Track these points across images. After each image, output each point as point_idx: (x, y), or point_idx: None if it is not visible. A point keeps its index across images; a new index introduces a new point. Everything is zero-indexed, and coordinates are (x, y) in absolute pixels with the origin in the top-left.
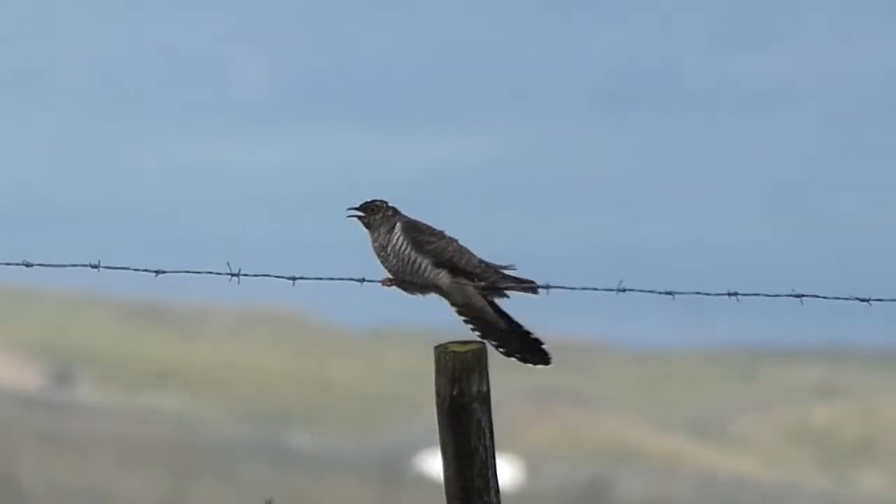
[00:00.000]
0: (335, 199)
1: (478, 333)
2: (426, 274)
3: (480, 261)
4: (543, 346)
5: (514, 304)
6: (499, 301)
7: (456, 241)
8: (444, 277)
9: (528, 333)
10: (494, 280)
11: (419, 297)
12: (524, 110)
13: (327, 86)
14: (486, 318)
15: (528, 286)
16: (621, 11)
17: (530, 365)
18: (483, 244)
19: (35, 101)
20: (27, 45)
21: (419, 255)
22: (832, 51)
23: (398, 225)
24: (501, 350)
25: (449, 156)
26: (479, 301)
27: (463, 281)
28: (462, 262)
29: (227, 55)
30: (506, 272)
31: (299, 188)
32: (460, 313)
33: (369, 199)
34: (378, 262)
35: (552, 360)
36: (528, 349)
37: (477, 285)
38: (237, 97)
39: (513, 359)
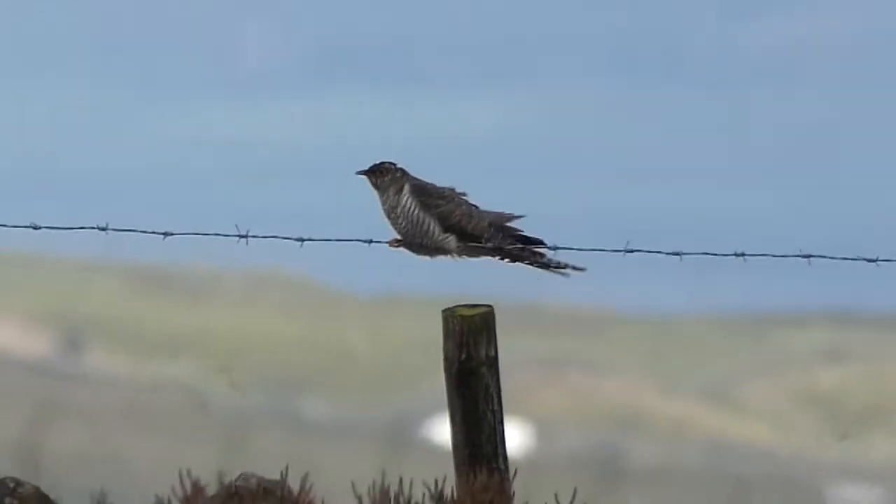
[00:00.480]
0: (344, 163)
1: (507, 260)
2: (435, 236)
3: (490, 223)
4: (565, 269)
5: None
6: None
7: (464, 202)
8: (451, 242)
9: (539, 255)
10: (502, 244)
11: (427, 258)
12: (532, 76)
13: (336, 52)
14: (509, 255)
15: (536, 244)
16: None
17: (570, 269)
18: (490, 208)
19: (42, 65)
20: (35, 9)
21: (427, 216)
22: (836, 13)
23: (406, 186)
24: (536, 264)
25: (457, 121)
26: (492, 255)
27: (471, 244)
28: (470, 226)
29: (234, 23)
30: (515, 226)
31: (308, 153)
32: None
33: (378, 161)
34: (388, 223)
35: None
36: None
37: (485, 247)
38: (246, 64)
39: (549, 271)
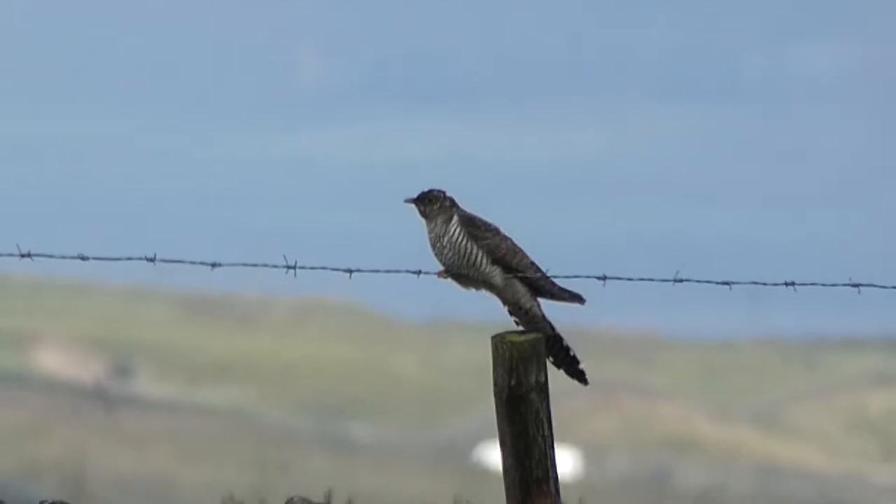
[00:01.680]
0: (392, 191)
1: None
2: (482, 267)
3: (532, 262)
4: (581, 367)
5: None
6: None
7: (510, 239)
8: (497, 274)
9: (568, 349)
10: (545, 283)
11: (472, 290)
12: (585, 103)
13: (386, 78)
14: (534, 320)
15: (576, 297)
16: (679, 1)
17: (575, 380)
18: (541, 236)
19: (91, 93)
20: (90, 33)
21: (475, 247)
22: (890, 36)
23: (455, 217)
24: (551, 359)
25: (508, 148)
26: (528, 302)
27: (518, 275)
28: (514, 261)
29: (285, 48)
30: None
31: (356, 181)
32: (511, 313)
33: (427, 190)
34: (431, 252)
35: (589, 382)
36: (569, 366)
37: (533, 277)
38: (295, 90)
39: (561, 370)
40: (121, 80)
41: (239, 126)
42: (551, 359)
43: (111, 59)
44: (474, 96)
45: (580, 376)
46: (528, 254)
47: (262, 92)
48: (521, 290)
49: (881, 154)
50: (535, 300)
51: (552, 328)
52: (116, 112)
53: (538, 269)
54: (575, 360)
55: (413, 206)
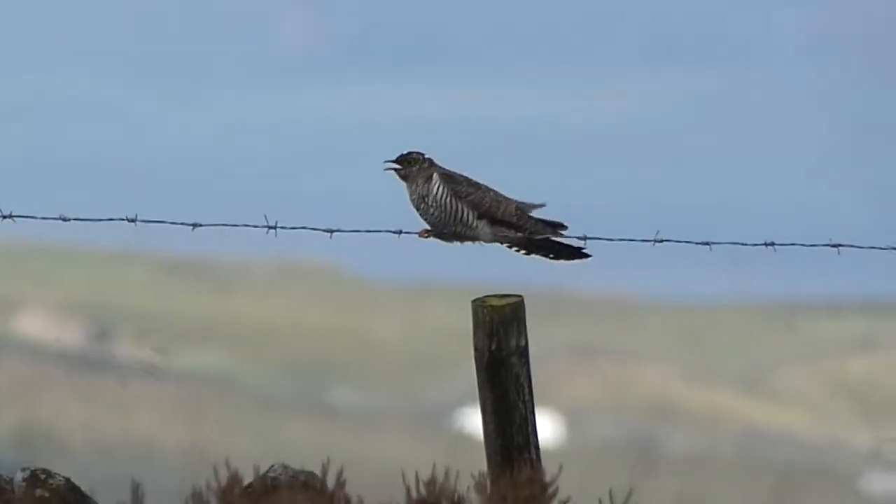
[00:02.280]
0: (375, 152)
1: (524, 251)
2: (469, 222)
3: (517, 207)
4: (584, 250)
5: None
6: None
7: (491, 190)
8: (484, 229)
9: (568, 245)
10: (532, 230)
11: (457, 244)
12: (564, 62)
13: (369, 39)
14: (530, 245)
15: (560, 227)
16: None
17: (576, 260)
18: (523, 197)
19: (71, 56)
20: (65, 1)
21: (460, 203)
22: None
23: (435, 175)
24: (551, 256)
25: (490, 110)
26: (518, 240)
27: (502, 231)
28: (500, 213)
29: (269, 11)
30: (537, 215)
31: (340, 143)
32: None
33: (405, 152)
34: (416, 214)
35: (590, 254)
36: (569, 253)
37: (516, 236)
38: (279, 52)
39: (560, 260)
40: (103, 42)
41: (221, 88)
42: (552, 255)
43: (93, 21)
44: (458, 60)
45: (580, 254)
46: (512, 197)
47: (245, 54)
48: (511, 234)
49: (862, 115)
50: (524, 240)
51: (547, 238)
52: (97, 73)
53: (524, 215)
54: (570, 248)
55: (393, 170)
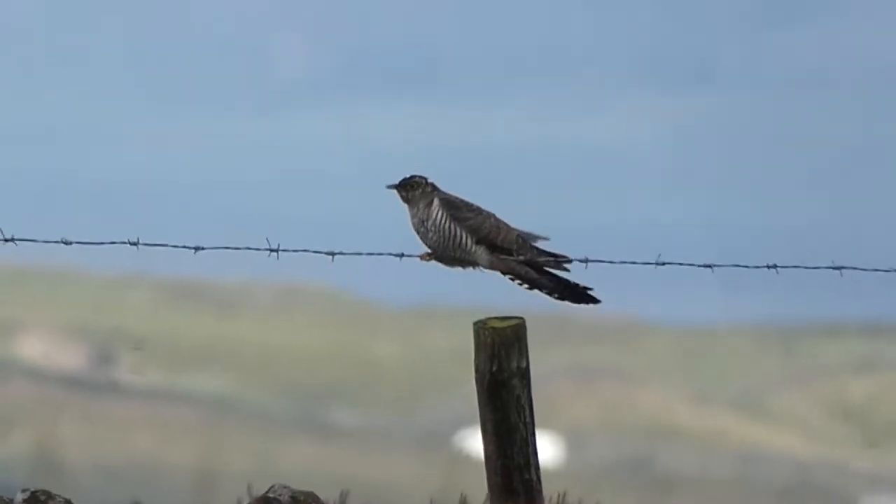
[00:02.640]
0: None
1: (526, 286)
2: (467, 248)
3: (518, 235)
4: (591, 292)
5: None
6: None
7: (493, 216)
8: (482, 254)
9: (575, 285)
10: (531, 257)
11: (459, 269)
12: (564, 89)
13: (364, 63)
14: (533, 283)
15: (563, 260)
16: None
17: (582, 304)
18: (520, 220)
19: (71, 80)
20: (65, 17)
21: (459, 228)
22: (873, 28)
23: (436, 200)
24: (555, 295)
25: (488, 133)
26: (521, 269)
27: (502, 257)
28: (499, 239)
29: (263, 34)
30: (540, 247)
31: (337, 166)
32: (505, 273)
33: (408, 175)
34: (417, 237)
35: (600, 300)
36: (576, 295)
37: (516, 259)
38: (275, 76)
39: (565, 302)
40: (103, 66)
41: (221, 111)
42: (556, 295)
43: (95, 45)
44: (453, 81)
45: (589, 298)
46: (512, 228)
47: (242, 77)
48: (511, 263)
49: (863, 137)
50: (524, 271)
51: (553, 278)
52: (99, 98)
53: (525, 244)
54: (586, 289)
55: (395, 192)
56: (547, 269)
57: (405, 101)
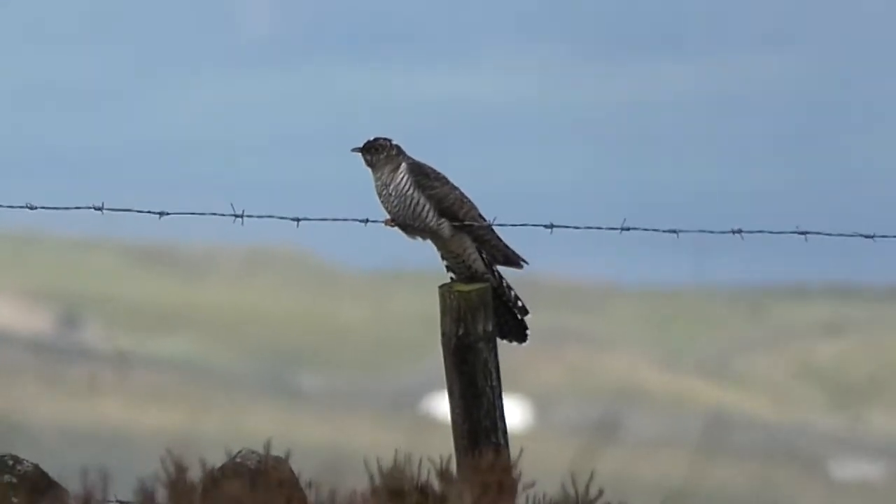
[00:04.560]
0: (339, 138)
1: (480, 263)
2: (427, 218)
3: (480, 214)
4: (525, 319)
5: (521, 244)
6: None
7: (458, 189)
8: (444, 225)
9: (517, 300)
10: (490, 237)
11: (418, 240)
12: (524, 50)
13: (330, 25)
14: (475, 275)
15: (514, 263)
16: None
17: (505, 341)
18: (487, 184)
19: (36, 46)
20: None
21: (422, 197)
22: None
23: (403, 165)
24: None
25: (453, 95)
26: (473, 255)
27: (465, 224)
28: (462, 212)
29: None
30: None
31: (303, 128)
32: (449, 268)
33: (372, 138)
34: (379, 203)
35: (527, 339)
36: (511, 321)
37: (479, 229)
38: (240, 38)
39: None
40: (66, 29)
41: (186, 73)
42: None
43: (58, 8)
44: (417, 43)
45: (518, 334)
46: (476, 206)
47: (208, 38)
48: (467, 242)
49: (827, 103)
50: (480, 254)
51: (499, 279)
52: (63, 61)
53: (485, 223)
54: (516, 316)
55: (359, 155)
56: (496, 268)
57: (372, 61)
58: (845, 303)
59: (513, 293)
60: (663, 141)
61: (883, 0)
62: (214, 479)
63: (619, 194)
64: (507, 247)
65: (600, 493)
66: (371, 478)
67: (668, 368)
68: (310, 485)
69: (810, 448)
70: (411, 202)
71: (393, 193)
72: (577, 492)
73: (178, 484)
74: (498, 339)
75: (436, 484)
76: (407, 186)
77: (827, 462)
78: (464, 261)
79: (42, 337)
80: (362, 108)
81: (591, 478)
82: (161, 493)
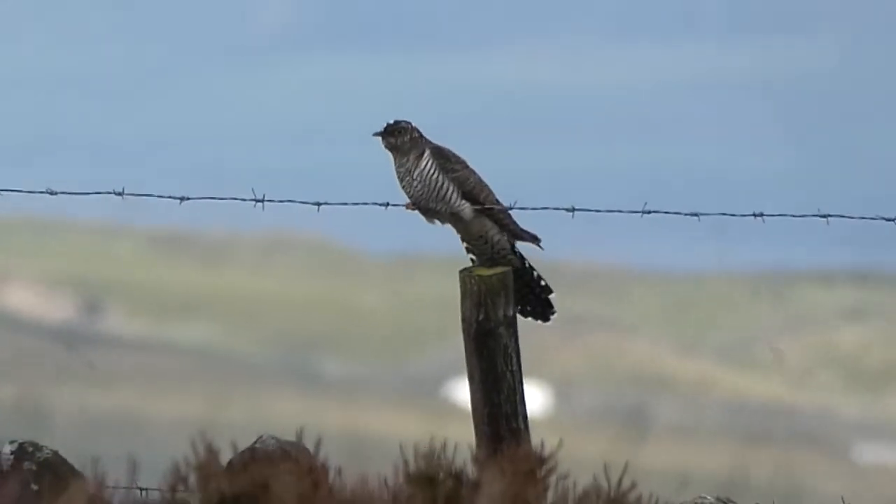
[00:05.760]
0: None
1: (501, 247)
2: (451, 201)
3: (498, 200)
4: (551, 297)
5: (542, 229)
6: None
7: (476, 173)
8: (467, 209)
9: (539, 280)
10: (508, 220)
11: (437, 224)
12: (549, 37)
13: (348, 14)
14: (501, 253)
15: (534, 238)
16: None
17: (530, 319)
18: (509, 168)
19: (57, 33)
20: None
21: (446, 180)
22: None
23: (427, 151)
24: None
25: (473, 83)
26: (497, 235)
27: (485, 207)
28: (482, 196)
29: None
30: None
31: (321, 116)
32: (469, 250)
33: (392, 121)
34: (399, 186)
35: (552, 317)
36: (534, 301)
37: (498, 211)
38: (259, 27)
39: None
40: (86, 18)
41: (207, 63)
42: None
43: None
44: (434, 32)
45: (543, 314)
46: (493, 191)
47: (225, 29)
48: (488, 223)
49: (850, 85)
50: (503, 233)
51: (522, 260)
52: (83, 50)
53: (502, 206)
54: (540, 297)
55: (380, 139)
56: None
57: (387, 51)
58: (868, 288)
59: (535, 273)
60: (683, 123)
61: None
62: (244, 463)
63: (640, 177)
64: (524, 231)
65: (633, 485)
66: (405, 463)
67: (690, 354)
68: (339, 471)
69: (832, 433)
70: (436, 185)
71: (417, 178)
72: (609, 484)
73: (207, 467)
74: (520, 321)
75: (469, 471)
76: (433, 170)
77: (849, 447)
78: (486, 241)
79: (63, 323)
80: (378, 96)
81: (625, 470)
82: (191, 477)
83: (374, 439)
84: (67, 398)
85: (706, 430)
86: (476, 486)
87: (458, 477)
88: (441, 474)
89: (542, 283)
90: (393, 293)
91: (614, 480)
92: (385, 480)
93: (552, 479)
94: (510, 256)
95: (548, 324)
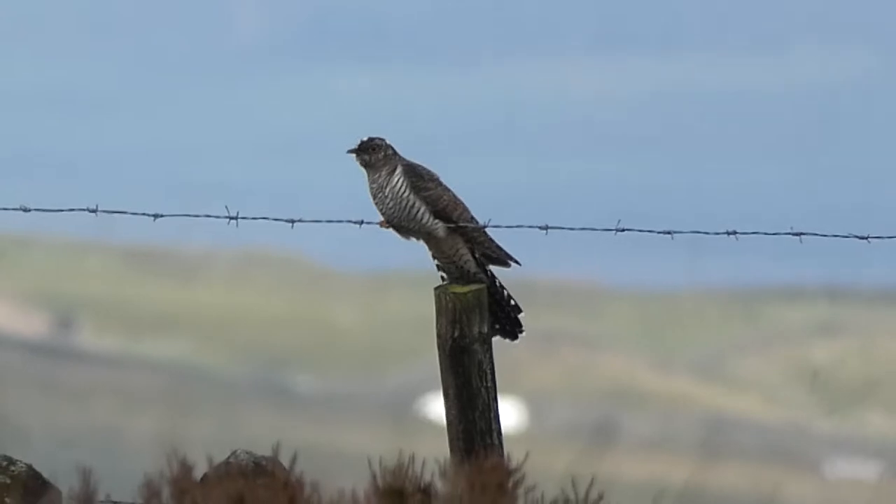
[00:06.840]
0: (332, 141)
1: (473, 264)
2: (422, 220)
3: (472, 217)
4: (520, 316)
5: (515, 245)
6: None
7: (451, 190)
8: (440, 226)
9: (509, 299)
10: (483, 239)
11: (413, 240)
12: (524, 53)
13: (324, 28)
14: (467, 276)
15: (504, 262)
16: None
17: (497, 338)
18: (483, 186)
19: (31, 50)
20: None
21: (417, 199)
22: None
23: (399, 168)
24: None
25: (448, 99)
26: (466, 256)
27: (459, 226)
28: (456, 214)
29: (224, 2)
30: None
31: (296, 132)
32: (440, 267)
33: (366, 138)
34: (373, 203)
35: (520, 336)
36: (504, 319)
37: (472, 230)
38: (234, 43)
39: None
40: (61, 32)
41: (179, 77)
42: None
43: (54, 12)
44: (412, 48)
45: (512, 332)
46: (468, 208)
47: (201, 45)
48: (460, 243)
49: (823, 103)
50: (472, 254)
51: (491, 279)
52: (57, 64)
53: (477, 224)
54: (510, 315)
55: (354, 156)
56: (489, 268)
57: (365, 66)
58: (839, 304)
59: (505, 292)
60: (657, 141)
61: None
62: (219, 476)
63: (614, 195)
64: (499, 247)
65: (600, 496)
66: (374, 478)
67: (663, 370)
68: (314, 486)
69: (805, 449)
70: (406, 205)
71: (389, 195)
72: (577, 495)
73: (181, 481)
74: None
75: (438, 485)
76: (403, 188)
77: (821, 463)
78: (455, 262)
79: (36, 339)
80: (354, 111)
81: (592, 482)
82: (165, 491)
83: (348, 455)
84: (41, 413)
85: (678, 444)
86: (444, 499)
87: (426, 491)
88: (410, 488)
89: (512, 302)
90: (367, 310)
91: (582, 493)
92: (354, 494)
93: (520, 492)
94: (479, 275)
95: (516, 342)
